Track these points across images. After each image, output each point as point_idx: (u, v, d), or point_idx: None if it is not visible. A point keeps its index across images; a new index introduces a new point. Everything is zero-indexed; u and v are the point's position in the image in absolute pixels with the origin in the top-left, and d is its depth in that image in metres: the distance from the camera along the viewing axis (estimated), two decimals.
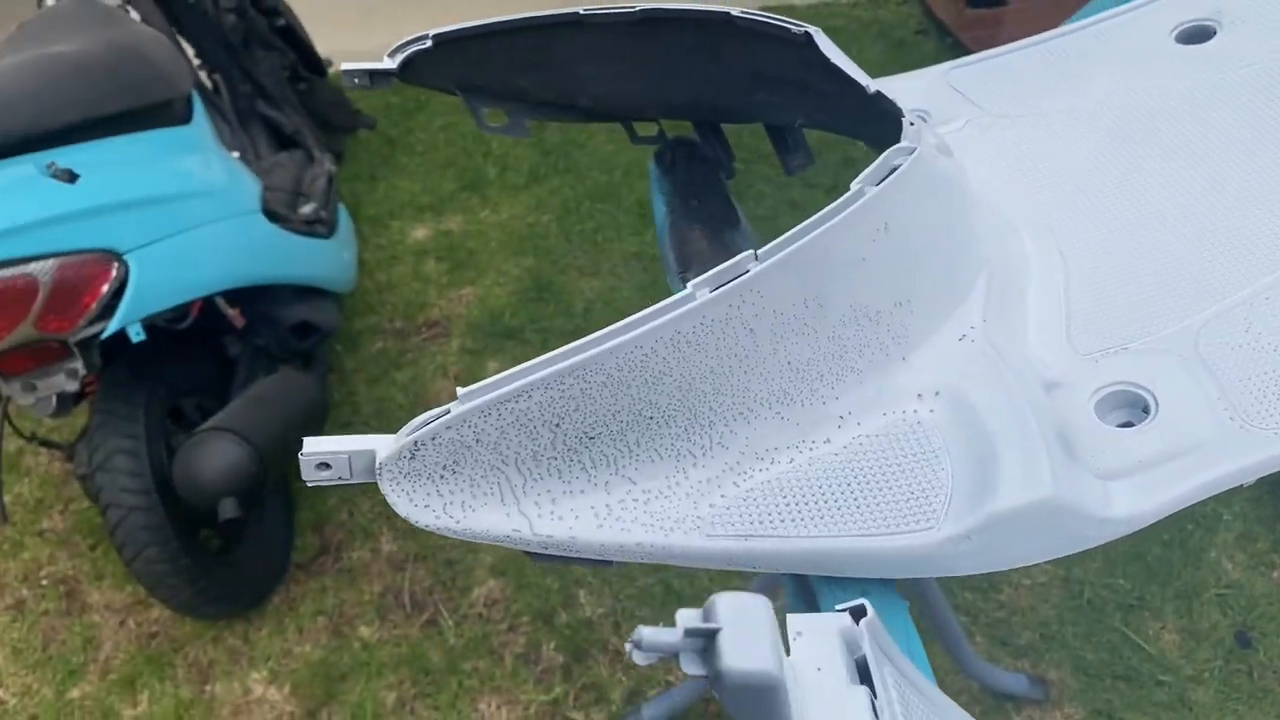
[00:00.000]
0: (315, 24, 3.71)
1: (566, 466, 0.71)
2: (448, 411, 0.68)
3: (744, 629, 0.47)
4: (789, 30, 0.92)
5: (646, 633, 0.48)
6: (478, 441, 0.67)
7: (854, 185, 0.76)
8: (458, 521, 0.70)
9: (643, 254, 3.19)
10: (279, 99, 3.06)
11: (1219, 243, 0.90)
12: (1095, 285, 0.90)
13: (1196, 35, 1.13)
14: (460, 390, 0.68)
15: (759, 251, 0.72)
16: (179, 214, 2.05)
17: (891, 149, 0.79)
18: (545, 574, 2.35)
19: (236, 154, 2.75)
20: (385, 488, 0.70)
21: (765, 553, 0.71)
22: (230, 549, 2.29)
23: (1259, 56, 1.05)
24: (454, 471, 0.69)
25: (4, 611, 2.41)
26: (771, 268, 0.71)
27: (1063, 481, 0.71)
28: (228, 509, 2.02)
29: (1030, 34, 1.31)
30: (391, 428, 2.69)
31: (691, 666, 0.47)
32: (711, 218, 1.08)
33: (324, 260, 2.60)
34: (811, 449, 0.76)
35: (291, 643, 2.29)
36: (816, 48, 0.89)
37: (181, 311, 2.11)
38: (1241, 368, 0.80)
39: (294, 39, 3.36)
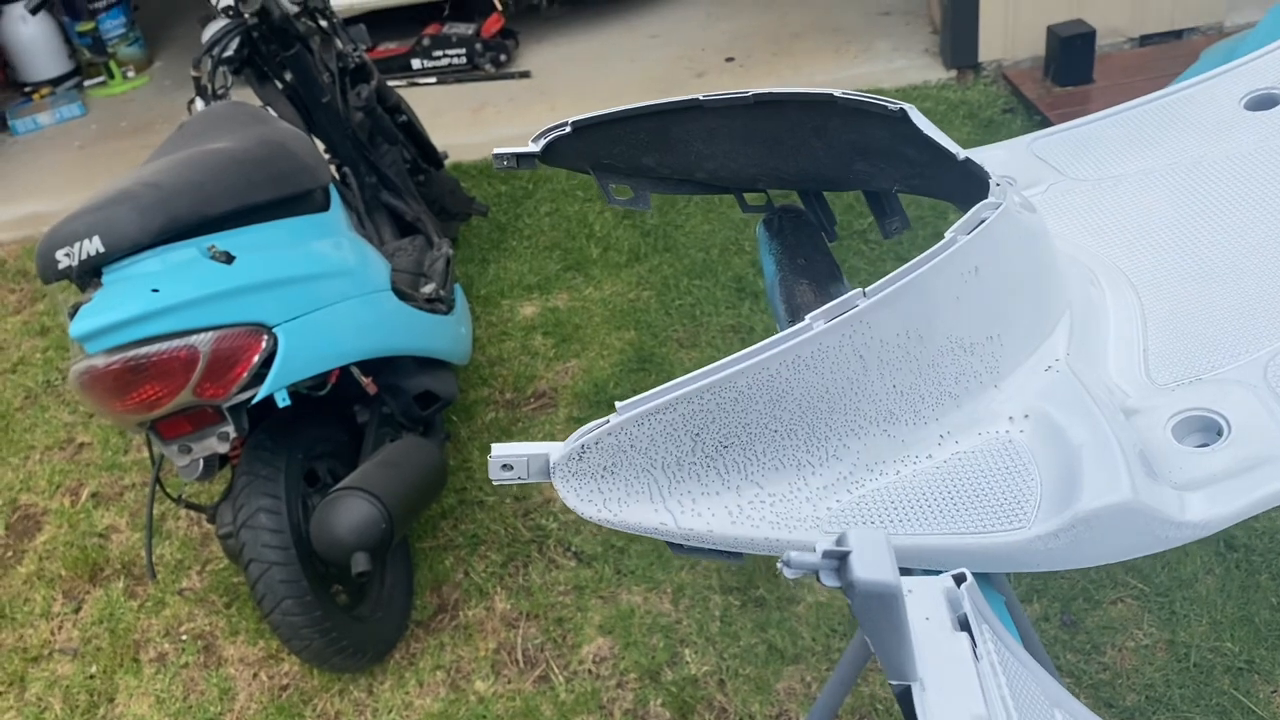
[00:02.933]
0: (431, 121, 3.98)
1: (705, 471, 0.83)
2: (608, 421, 0.81)
3: (869, 551, 0.57)
4: (886, 107, 1.04)
5: (794, 555, 0.59)
6: (632, 447, 0.80)
7: (947, 235, 0.88)
8: (615, 514, 0.82)
9: (739, 326, 3.32)
10: (401, 189, 3.30)
11: None
12: (1169, 324, 1.00)
13: (1264, 102, 1.22)
14: (618, 404, 0.81)
15: (866, 289, 0.84)
16: (320, 291, 2.25)
17: (981, 204, 0.90)
18: (651, 632, 2.44)
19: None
20: (558, 484, 0.83)
21: None
22: (357, 604, 2.43)
23: None
24: (612, 472, 0.81)
25: (148, 664, 2.58)
26: (877, 303, 0.83)
27: (1141, 488, 0.80)
28: (360, 563, 2.17)
29: None
30: (502, 493, 2.83)
31: (829, 579, 0.58)
32: (817, 273, 1.20)
33: (444, 335, 2.79)
34: (915, 463, 0.86)
35: (412, 696, 2.41)
36: (911, 121, 1.02)
37: (321, 380, 2.29)
38: None
39: (414, 134, 3.61)
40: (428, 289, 2.88)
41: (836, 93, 1.10)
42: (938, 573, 0.81)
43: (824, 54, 4.71)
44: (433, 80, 5.10)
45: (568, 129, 1.17)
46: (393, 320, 2.50)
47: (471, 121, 4.72)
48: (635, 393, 3.11)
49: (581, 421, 3.07)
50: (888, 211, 1.25)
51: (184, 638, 2.64)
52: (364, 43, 3.28)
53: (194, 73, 2.97)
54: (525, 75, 5.06)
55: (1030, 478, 0.84)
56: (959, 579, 0.64)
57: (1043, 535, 0.80)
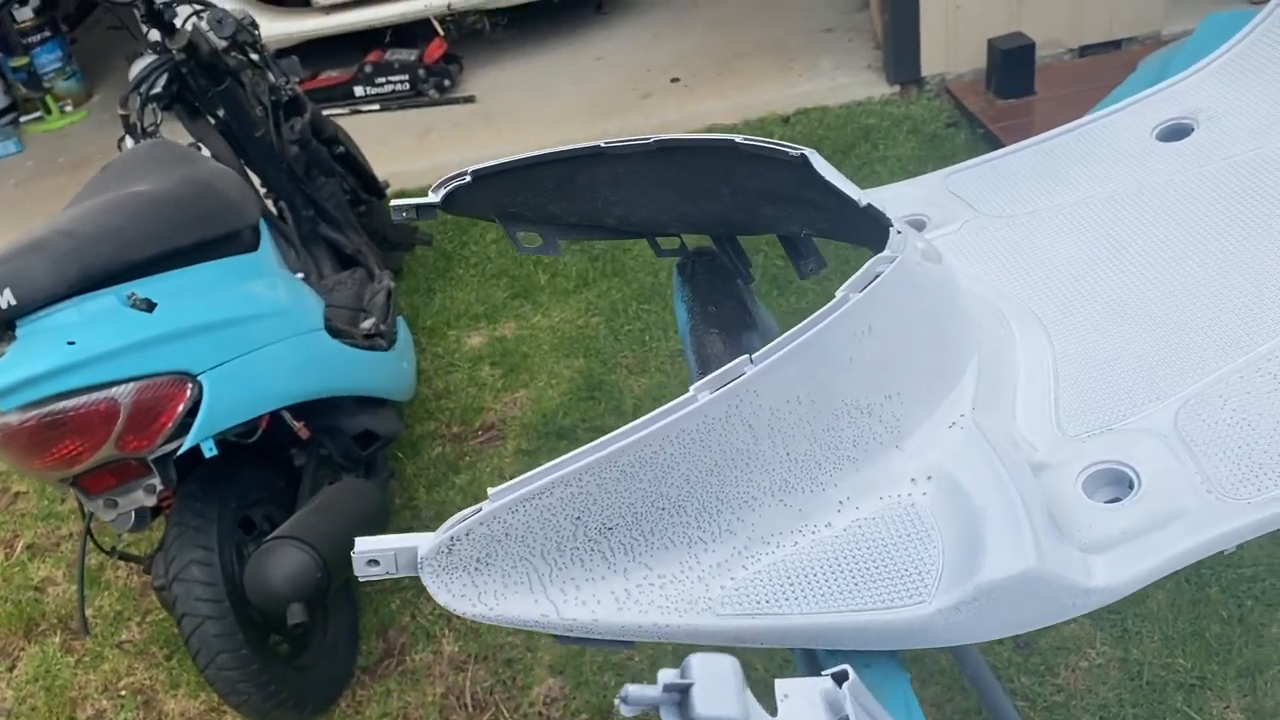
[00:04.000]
0: (376, 148, 3.94)
1: (588, 555, 0.79)
2: (480, 509, 0.77)
3: (714, 683, 0.54)
4: (787, 153, 1.01)
5: (632, 690, 0.55)
6: (507, 535, 0.76)
7: (839, 292, 0.85)
8: (491, 609, 0.78)
9: None
10: (340, 221, 3.25)
11: (1196, 326, 0.96)
12: (1081, 370, 0.97)
13: (1176, 133, 1.21)
14: (491, 490, 0.77)
15: (754, 356, 0.80)
16: (247, 335, 2.19)
17: (874, 258, 0.87)
18: (602, 670, 2.39)
19: (301, 275, 2.92)
20: (426, 580, 0.78)
21: (771, 629, 0.78)
22: (298, 654, 2.37)
23: (1234, 151, 1.13)
24: (487, 563, 0.77)
25: None
26: (764, 370, 0.79)
27: (1045, 554, 0.77)
28: (296, 614, 2.11)
29: (1060, 122, 1.40)
30: None
31: (670, 716, 0.54)
32: (728, 322, 1.17)
33: (384, 372, 2.73)
34: (814, 532, 0.83)
35: None
36: (812, 167, 0.99)
37: (251, 426, 2.23)
38: (1217, 443, 0.85)
39: (353, 165, 3.56)
40: (367, 324, 2.83)
41: (738, 139, 1.07)
42: (846, 657, 0.77)
43: (769, 73, 4.70)
44: (376, 107, 5.05)
45: (467, 178, 1.13)
46: (326, 361, 2.44)
47: (416, 148, 4.67)
48: (585, 421, 3.10)
49: (530, 454, 3.02)
50: (803, 253, 1.22)
51: (123, 693, 2.56)
52: (296, 75, 3.23)
53: (121, 111, 2.91)
54: (470, 100, 5.02)
55: (932, 545, 0.80)
56: (840, 677, 0.61)
57: (944, 609, 0.77)
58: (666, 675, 0.54)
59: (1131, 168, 1.18)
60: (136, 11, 2.86)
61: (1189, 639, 2.26)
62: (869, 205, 0.95)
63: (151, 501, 2.12)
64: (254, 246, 2.45)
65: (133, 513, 2.17)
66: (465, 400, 3.26)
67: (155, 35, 2.88)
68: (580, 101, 4.84)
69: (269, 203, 3.16)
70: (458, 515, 0.78)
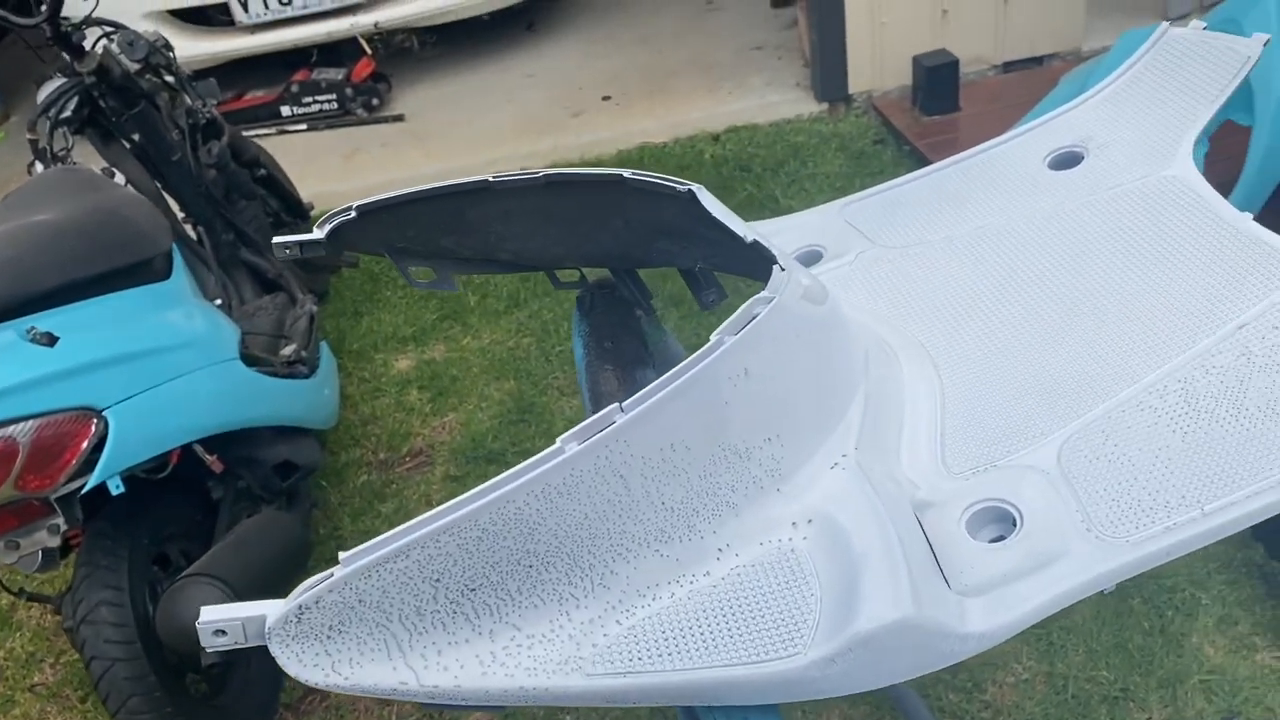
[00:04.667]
0: (302, 168, 3.88)
1: (450, 618, 0.76)
2: (330, 575, 0.74)
3: None
4: (674, 188, 1.00)
5: None
6: (360, 601, 0.73)
7: (713, 336, 0.83)
8: (345, 678, 0.75)
9: None
10: (261, 245, 3.18)
11: (1081, 359, 0.96)
12: (968, 405, 0.96)
13: (1067, 161, 1.22)
14: (342, 554, 0.74)
15: (624, 404, 0.78)
16: (155, 368, 2.13)
17: (751, 299, 0.86)
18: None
19: (219, 302, 2.86)
20: (275, 650, 0.75)
21: (645, 687, 0.75)
22: (217, 694, 2.30)
23: (1121, 180, 1.13)
24: (340, 631, 0.74)
25: None
26: (635, 419, 0.77)
27: (923, 601, 0.76)
28: (210, 655, 2.05)
29: (984, 138, 1.40)
30: None
31: None
32: (623, 358, 1.15)
33: (304, 400, 2.67)
34: (692, 582, 0.81)
35: None
36: (700, 203, 0.97)
37: (160, 461, 2.17)
38: (1098, 480, 0.85)
39: (275, 187, 3.50)
40: (288, 350, 2.77)
41: (626, 173, 1.05)
42: (726, 711, 0.75)
43: (699, 91, 4.72)
44: (303, 127, 4.98)
45: (353, 214, 1.10)
46: (240, 391, 2.38)
47: (344, 168, 4.61)
48: (515, 445, 3.06)
49: (459, 479, 2.98)
50: (702, 285, 1.21)
51: None
52: (214, 97, 3.17)
53: (30, 135, 2.83)
54: (399, 119, 4.97)
55: (810, 593, 0.79)
56: None
57: (819, 661, 0.75)
58: None
59: (1024, 197, 1.18)
60: (43, 33, 2.78)
61: (1112, 651, 2.29)
62: (755, 241, 0.94)
63: (56, 542, 2.05)
64: (165, 275, 2.39)
65: (39, 553, 2.10)
66: (392, 425, 3.21)
67: (65, 57, 2.80)
68: (511, 120, 4.81)
69: (188, 228, 3.10)
70: (308, 581, 0.75)
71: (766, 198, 3.86)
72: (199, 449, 2.28)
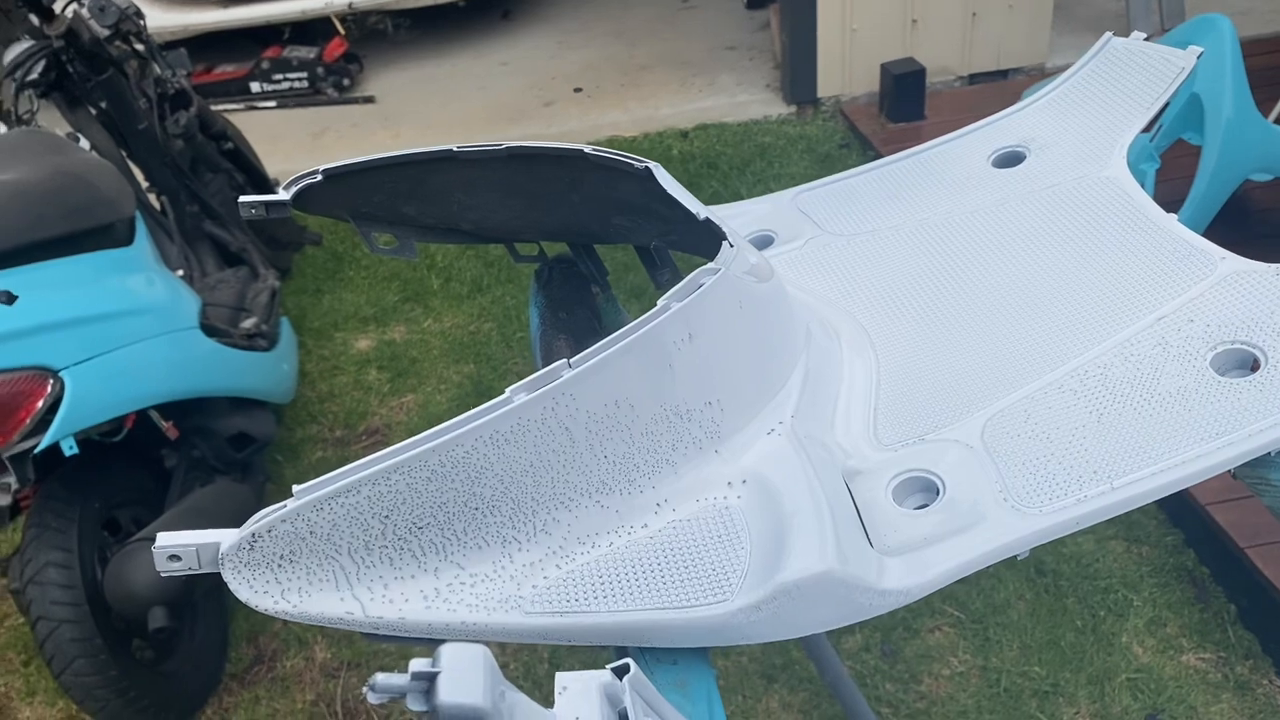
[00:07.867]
0: (269, 146, 3.87)
1: (397, 553, 0.79)
2: (284, 506, 0.77)
3: (461, 672, 0.55)
4: (633, 165, 1.04)
5: (380, 678, 0.56)
6: (312, 533, 0.76)
7: (660, 301, 0.87)
8: (294, 606, 0.78)
9: None
10: (225, 218, 3.18)
11: (1010, 344, 1.02)
12: (901, 384, 1.01)
13: (1009, 160, 1.27)
14: (295, 487, 0.77)
15: (572, 360, 0.82)
16: (114, 332, 2.14)
17: (699, 269, 0.90)
18: None
19: (180, 272, 2.86)
20: (227, 576, 0.78)
21: (579, 627, 0.79)
22: (162, 660, 2.31)
23: (1058, 179, 1.19)
24: (291, 560, 0.77)
25: None
26: (582, 374, 0.81)
27: (846, 556, 0.80)
28: (157, 618, 2.06)
29: None
30: None
31: (416, 704, 0.55)
32: (577, 328, 1.19)
33: (262, 373, 2.68)
34: (630, 533, 0.85)
35: None
36: (656, 180, 1.02)
37: (115, 425, 2.17)
38: (1018, 455, 0.90)
39: (242, 161, 3.50)
40: (248, 323, 2.78)
41: (587, 149, 1.09)
42: (655, 654, 0.79)
43: (670, 87, 4.76)
44: (273, 104, 4.96)
45: (319, 177, 1.13)
46: (199, 360, 2.39)
47: (311, 147, 4.60)
48: None
49: None
50: (657, 264, 1.25)
51: None
52: (183, 68, 3.16)
53: None
54: (369, 100, 4.97)
55: (740, 547, 0.83)
56: (621, 670, 0.63)
57: (744, 608, 0.79)
58: (417, 664, 0.55)
59: (967, 191, 1.23)
60: None
61: (1045, 647, 2.35)
62: (707, 219, 0.98)
63: (6, 500, 2.05)
64: (128, 241, 2.39)
65: None
66: (350, 404, 3.22)
67: (34, 20, 2.79)
68: (482, 106, 4.83)
69: (151, 197, 3.09)
70: (262, 512, 0.78)
71: (732, 196, 3.91)
72: (155, 415, 2.29)
